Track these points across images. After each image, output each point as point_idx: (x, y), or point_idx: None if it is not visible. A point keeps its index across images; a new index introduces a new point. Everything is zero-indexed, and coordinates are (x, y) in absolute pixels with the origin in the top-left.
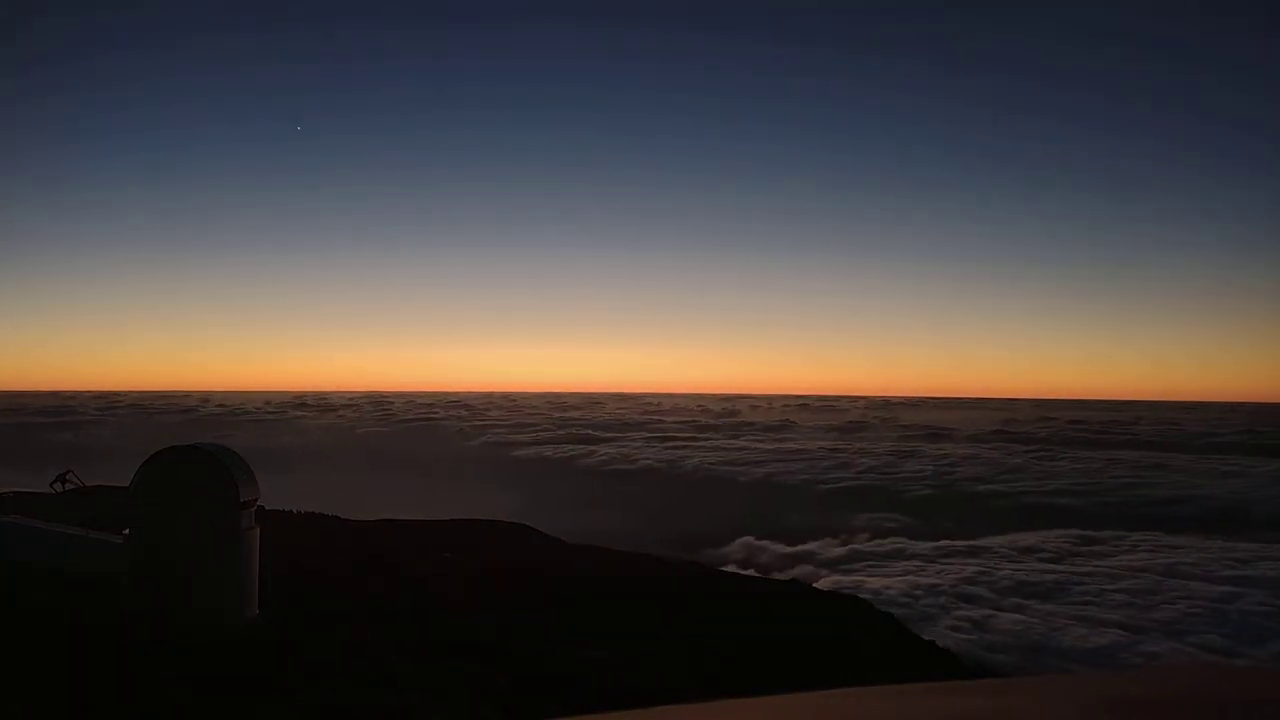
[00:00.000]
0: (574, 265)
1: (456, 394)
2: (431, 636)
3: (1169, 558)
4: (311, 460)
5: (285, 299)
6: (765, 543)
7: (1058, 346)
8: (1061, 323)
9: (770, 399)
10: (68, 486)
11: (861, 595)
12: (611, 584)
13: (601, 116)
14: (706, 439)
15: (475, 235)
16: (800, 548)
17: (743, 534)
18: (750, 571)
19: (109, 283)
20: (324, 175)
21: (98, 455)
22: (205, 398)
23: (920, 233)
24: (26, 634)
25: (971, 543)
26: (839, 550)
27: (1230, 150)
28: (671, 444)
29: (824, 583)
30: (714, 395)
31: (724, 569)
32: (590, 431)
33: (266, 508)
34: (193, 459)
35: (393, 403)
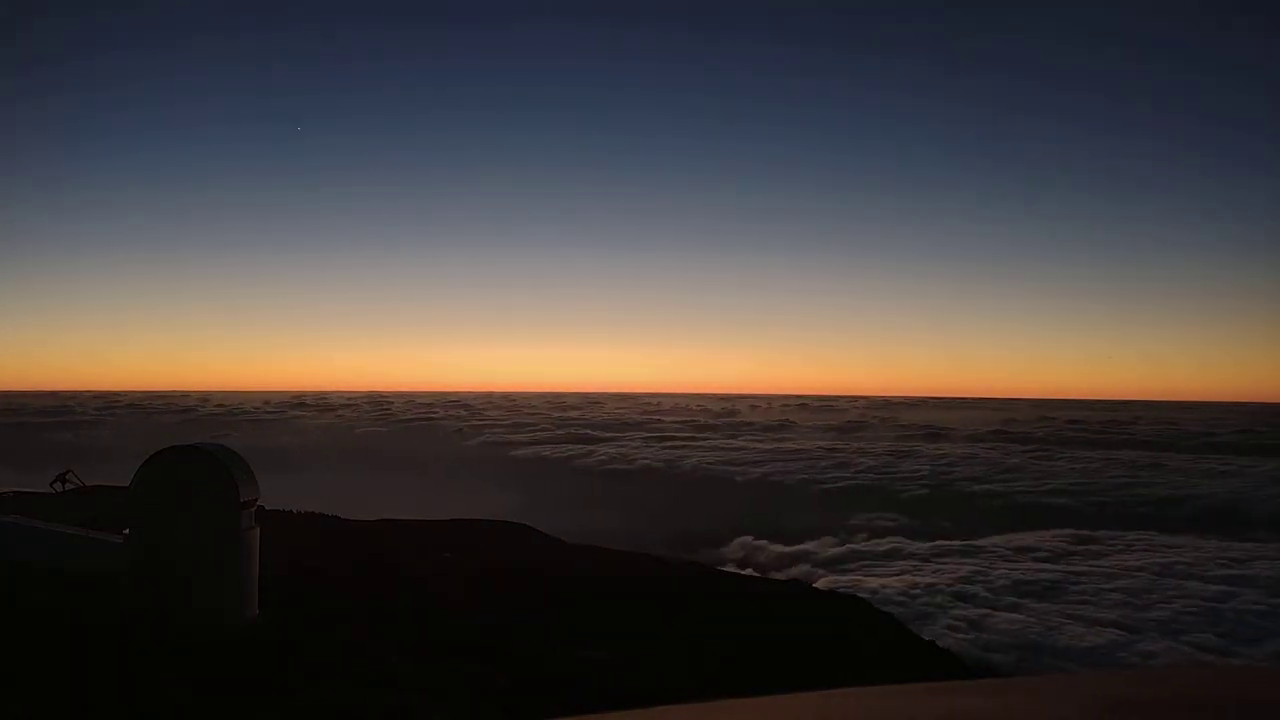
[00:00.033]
0: (574, 265)
1: (456, 394)
2: (431, 636)
3: (1165, 557)
4: (308, 460)
5: (285, 299)
6: (763, 542)
7: (1057, 346)
8: (1061, 323)
9: (770, 399)
10: (68, 486)
11: (860, 595)
12: (611, 584)
13: (601, 116)
14: (705, 439)
15: (475, 235)
16: (797, 547)
17: (740, 534)
18: (749, 571)
19: (108, 283)
20: (324, 175)
21: (97, 455)
22: (204, 398)
23: (920, 233)
24: (26, 634)
25: (968, 542)
26: (836, 550)
27: (1229, 150)
28: (670, 444)
29: (821, 582)
30: (713, 395)
31: (723, 569)
32: (589, 431)
33: (266, 508)
34: (193, 459)
35: (392, 403)
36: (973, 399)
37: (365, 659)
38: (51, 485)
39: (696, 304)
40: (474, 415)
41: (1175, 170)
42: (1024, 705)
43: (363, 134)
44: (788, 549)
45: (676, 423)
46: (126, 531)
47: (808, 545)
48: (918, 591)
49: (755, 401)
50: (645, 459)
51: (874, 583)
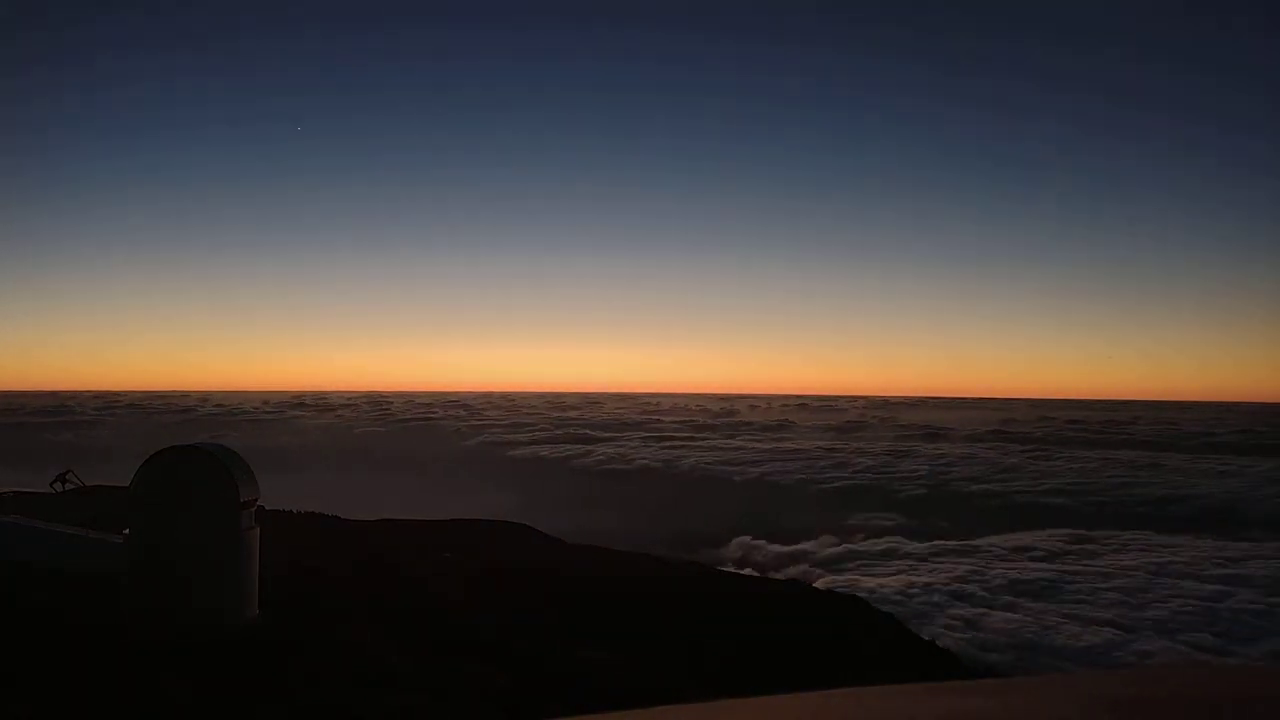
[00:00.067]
0: (574, 266)
1: (456, 394)
2: (431, 636)
3: (1161, 557)
4: (306, 460)
5: (285, 299)
6: (760, 542)
7: (1057, 347)
8: (1061, 323)
9: (769, 399)
10: (68, 486)
11: (858, 594)
12: (611, 584)
13: (601, 117)
14: (704, 439)
15: (476, 235)
16: (795, 547)
17: (738, 533)
18: (748, 571)
19: (108, 283)
20: (324, 175)
21: (97, 455)
22: (204, 398)
23: (920, 233)
24: (26, 634)
25: (965, 542)
26: (833, 550)
27: (1229, 151)
28: (668, 444)
29: (819, 582)
30: (713, 395)
31: (722, 569)
32: (588, 431)
33: (266, 508)
34: (193, 459)
35: (391, 403)
36: (972, 399)
37: (365, 659)
38: (51, 485)
39: (696, 304)
40: (473, 415)
41: (1175, 170)
42: (1024, 705)
43: (363, 134)
44: (785, 549)
45: (675, 423)
46: (126, 531)
47: (805, 545)
48: (914, 591)
49: (755, 402)
50: (643, 459)
51: (871, 582)
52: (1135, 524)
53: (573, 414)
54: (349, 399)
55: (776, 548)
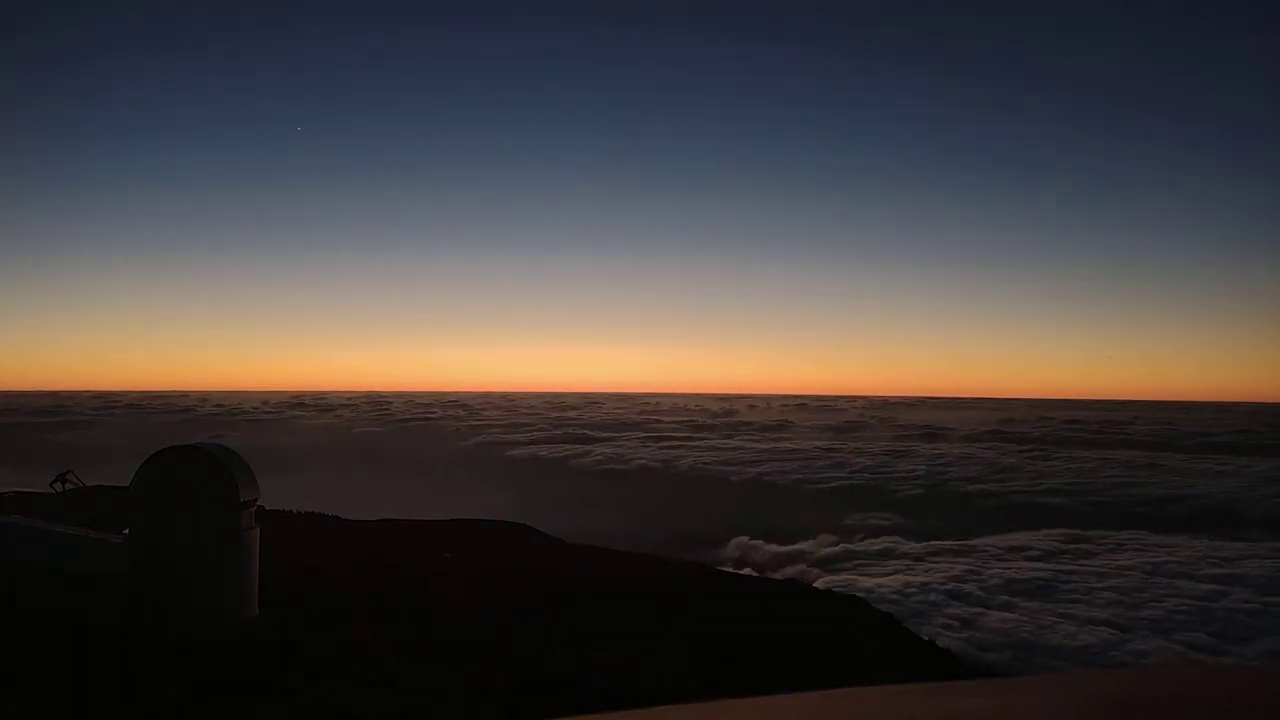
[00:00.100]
0: (574, 266)
1: (455, 394)
2: (431, 636)
3: (1157, 556)
4: (303, 460)
5: (285, 299)
6: (757, 542)
7: (1057, 347)
8: (1061, 323)
9: (769, 399)
10: (68, 486)
11: (857, 594)
12: (611, 584)
13: (601, 117)
14: (702, 439)
15: (476, 235)
16: (792, 547)
17: (735, 533)
18: (748, 571)
19: (107, 283)
20: (324, 176)
21: (96, 455)
22: (203, 398)
23: (920, 233)
24: (26, 634)
25: (962, 542)
26: (830, 550)
27: (1228, 151)
28: (667, 444)
29: (816, 582)
30: (713, 395)
31: (721, 569)
32: (586, 431)
33: (266, 508)
34: (193, 459)
35: (391, 403)
36: (972, 399)
37: (365, 659)
38: (51, 485)
39: (696, 304)
40: (472, 415)
41: (1175, 171)
42: (1024, 705)
43: (363, 134)
44: (782, 549)
45: (674, 423)
46: (126, 531)
47: (802, 545)
48: (911, 590)
49: (754, 402)
50: (641, 459)
51: (868, 582)
52: (1131, 524)
53: (572, 414)
54: (349, 399)
55: (774, 548)
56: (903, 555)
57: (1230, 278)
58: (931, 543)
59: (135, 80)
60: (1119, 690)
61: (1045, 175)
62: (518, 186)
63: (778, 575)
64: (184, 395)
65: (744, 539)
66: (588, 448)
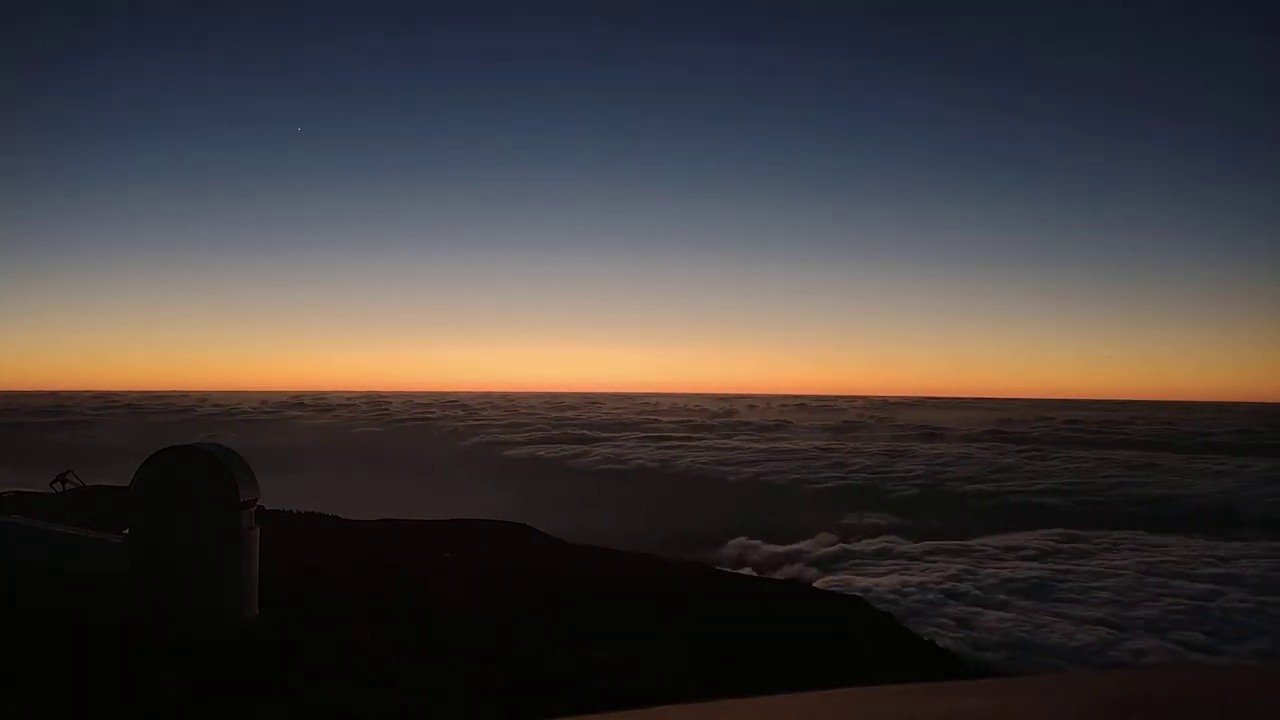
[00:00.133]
0: (574, 266)
1: (455, 394)
2: (431, 636)
3: (1153, 556)
4: (301, 459)
5: (285, 299)
6: (755, 542)
7: (1057, 347)
8: (1061, 323)
9: (768, 399)
10: (68, 486)
11: (856, 594)
12: (611, 584)
13: (601, 117)
14: (700, 439)
15: (476, 235)
16: (789, 547)
17: (733, 533)
18: (746, 571)
19: (107, 283)
20: (323, 176)
21: (96, 455)
22: (203, 398)
23: (920, 233)
24: (26, 634)
25: (959, 542)
26: (827, 550)
27: (1228, 151)
28: (665, 444)
29: (813, 582)
30: (713, 395)
31: (720, 568)
32: (585, 431)
33: (266, 508)
34: (193, 459)
35: (390, 403)
36: (971, 399)
37: (365, 659)
38: (51, 485)
39: (696, 304)
40: (471, 415)
41: (1175, 171)
42: (1024, 705)
43: (362, 135)
44: (779, 549)
45: (673, 423)
46: (126, 531)
47: (799, 545)
48: (909, 590)
49: (754, 402)
50: (640, 459)
51: (865, 582)
52: (1128, 524)
53: (571, 414)
54: (348, 399)
55: (771, 547)
56: (899, 555)
57: (1230, 278)
58: (928, 542)
59: (135, 80)
60: (1119, 690)
61: (1045, 175)
62: (517, 186)
63: (776, 575)
64: (183, 395)
65: (741, 539)
66: (586, 448)
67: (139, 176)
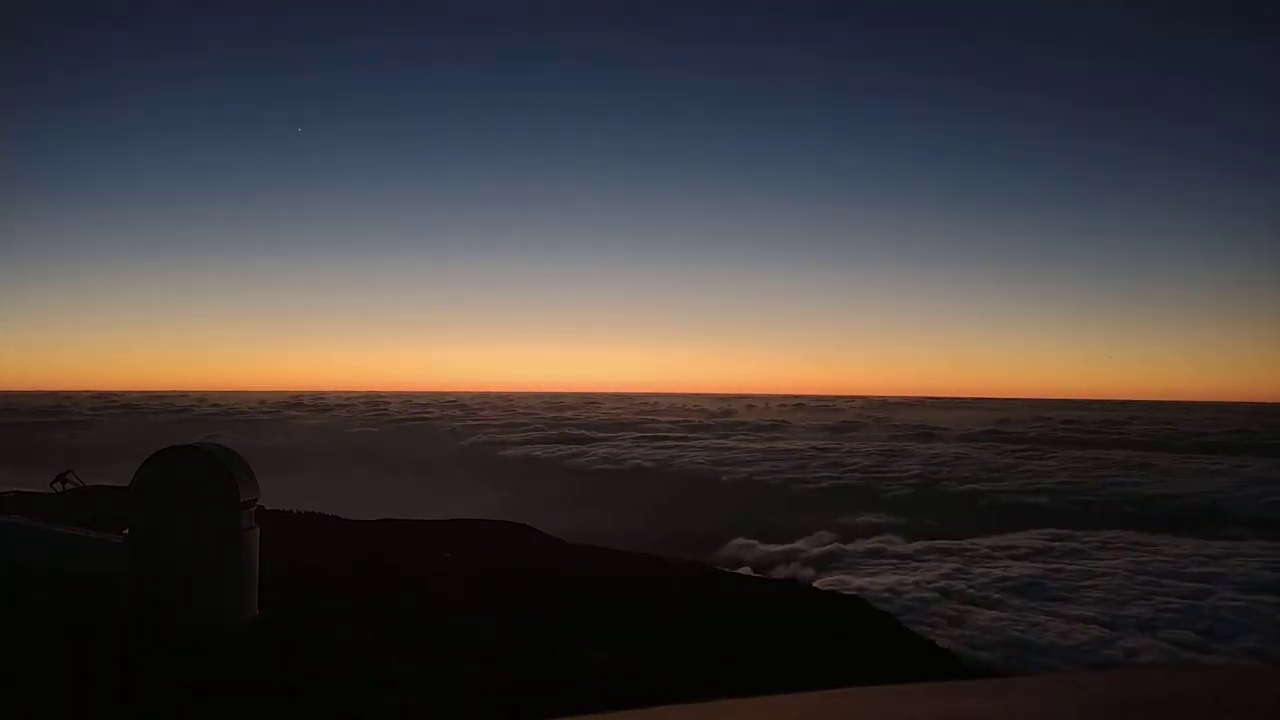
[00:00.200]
0: (574, 266)
1: (454, 394)
2: (431, 636)
3: (1145, 555)
4: (294, 459)
5: (285, 300)
6: (750, 542)
7: (1057, 347)
8: (1061, 323)
9: (767, 399)
10: (68, 486)
11: (855, 594)
12: (611, 584)
13: (600, 118)
14: (697, 439)
15: (476, 236)
16: (784, 547)
17: (729, 533)
18: (744, 570)
19: (106, 283)
20: (323, 176)
21: (96, 455)
22: (202, 398)
23: (920, 234)
24: (26, 634)
25: (953, 541)
26: (821, 549)
27: (1228, 152)
28: (662, 444)
29: (808, 582)
30: (712, 395)
31: (720, 569)
32: (582, 432)
33: (266, 508)
34: (193, 459)
35: (389, 403)
36: (970, 399)
37: (365, 659)
38: (51, 485)
39: (696, 305)
40: (469, 415)
41: (1175, 172)
42: (1024, 705)
43: (362, 135)
44: (775, 548)
45: (670, 423)
46: (126, 531)
47: (793, 545)
48: (903, 589)
49: (753, 402)
50: (636, 459)
51: (859, 581)
52: (1121, 523)
53: (569, 414)
54: (347, 399)
55: (766, 547)
56: (894, 555)
57: (1231, 278)
58: (923, 542)
59: (135, 81)
60: (1119, 690)
61: (1045, 176)
62: (517, 187)
63: (772, 575)
64: (182, 395)
65: (737, 539)
66: (583, 448)
67: (139, 177)
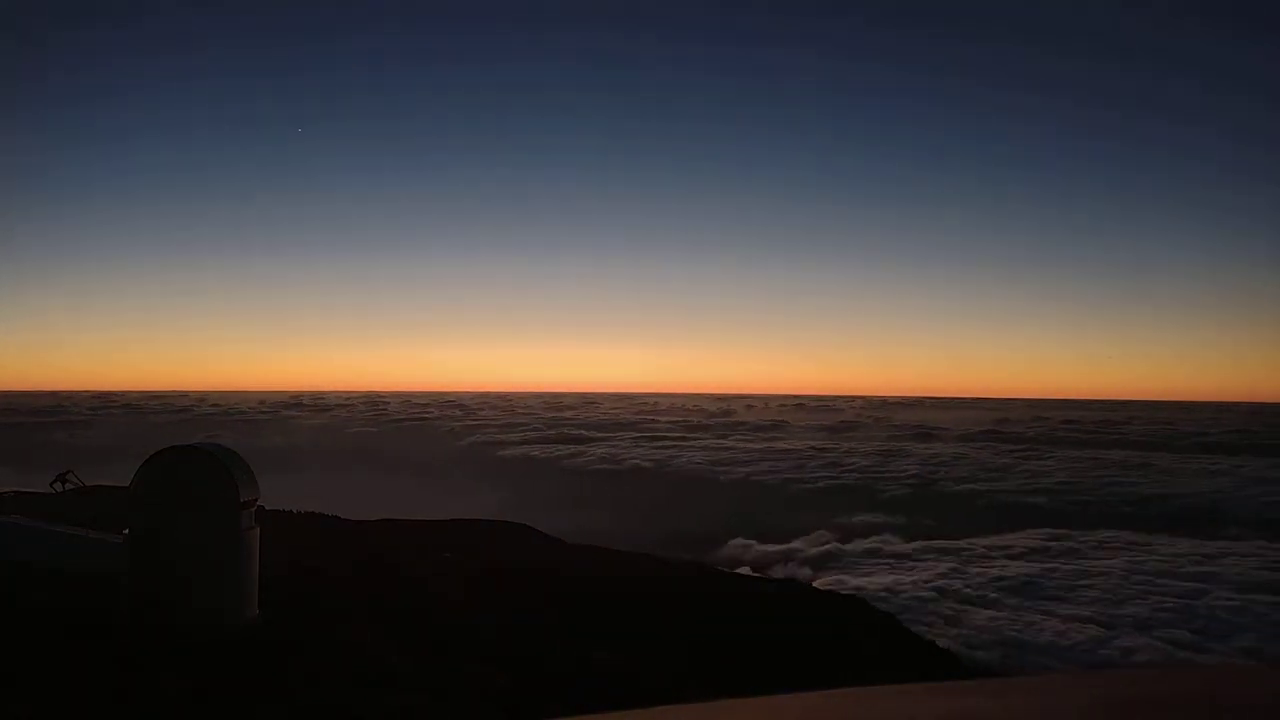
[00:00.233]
0: (574, 266)
1: (454, 394)
2: (431, 636)
3: (1141, 555)
4: (290, 459)
5: (285, 300)
6: (749, 542)
7: (1057, 347)
8: (1060, 324)
9: (767, 399)
10: (68, 486)
11: (855, 594)
12: (611, 584)
13: (600, 117)
14: (696, 439)
15: (476, 236)
16: (781, 547)
17: (726, 533)
18: (743, 570)
19: (106, 283)
20: (323, 177)
21: (96, 455)
22: (201, 398)
23: (920, 234)
24: (26, 634)
25: (950, 541)
26: (819, 549)
27: (1228, 152)
28: (660, 444)
29: (807, 581)
30: (713, 395)
31: (720, 568)
32: (581, 431)
33: (266, 508)
34: (193, 459)
35: (388, 403)
36: (970, 399)
37: (365, 659)
38: (51, 485)
39: (696, 305)
40: (468, 415)
41: (1175, 171)
42: (1024, 705)
43: (362, 136)
44: (772, 548)
45: (669, 423)
46: (126, 531)
47: (790, 545)
48: (900, 589)
49: (752, 402)
50: (634, 459)
51: (856, 581)
52: (1118, 523)
53: (569, 414)
54: (346, 399)
55: (763, 547)
56: (891, 555)
57: (1231, 278)
58: (920, 542)
59: (135, 81)
60: (1119, 690)
61: (1045, 176)
62: (517, 187)
63: (770, 574)
64: (182, 395)
65: (735, 539)
66: (581, 448)
67: (138, 177)
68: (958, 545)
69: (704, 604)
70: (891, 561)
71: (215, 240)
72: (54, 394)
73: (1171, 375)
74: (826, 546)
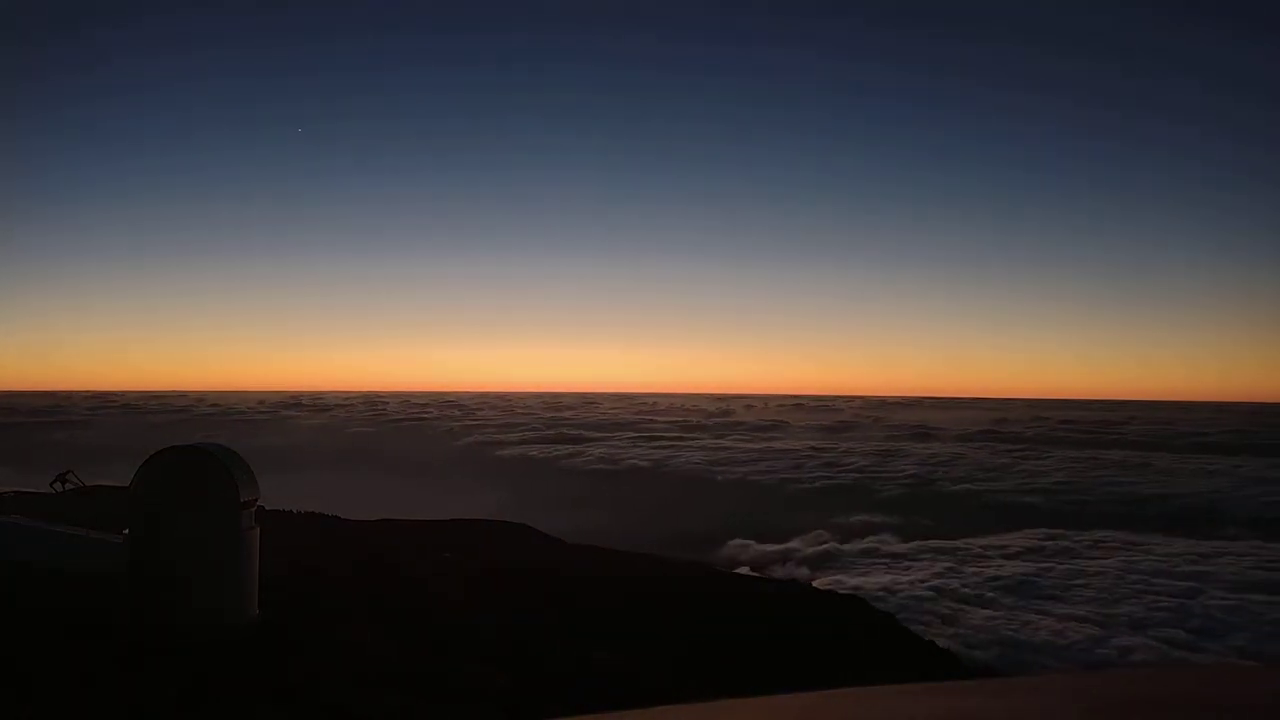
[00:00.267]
0: (573, 266)
1: (453, 394)
2: (431, 636)
3: (1137, 555)
4: (288, 458)
5: (285, 300)
6: (747, 542)
7: (1056, 347)
8: (1059, 323)
9: (766, 399)
10: (68, 486)
11: (854, 594)
12: (611, 584)
13: (600, 118)
14: (694, 438)
15: (476, 236)
16: (778, 547)
17: (725, 533)
18: (742, 570)
19: (106, 283)
20: (323, 177)
21: (95, 455)
22: (200, 398)
23: (919, 234)
24: (26, 634)
25: (947, 541)
26: (815, 549)
27: (1227, 152)
28: (658, 444)
29: (805, 581)
30: (712, 395)
31: (720, 569)
32: (580, 431)
33: (266, 508)
34: (193, 459)
35: (387, 403)
36: (969, 399)
37: (365, 659)
38: (51, 485)
39: (695, 305)
40: (467, 415)
41: (1174, 172)
42: (1024, 705)
43: (362, 136)
44: (770, 548)
45: (668, 423)
46: (126, 531)
47: (788, 545)
48: (898, 588)
49: (751, 402)
50: (632, 459)
51: (853, 581)
52: (1115, 523)
53: (567, 414)
54: (346, 399)
55: (761, 547)
56: (888, 554)
57: (1231, 278)
58: (917, 542)
59: (135, 81)
60: (1119, 690)
61: (1044, 176)
62: (517, 187)
63: (768, 574)
64: (181, 395)
65: (732, 539)
66: (579, 448)
67: (138, 177)
68: (955, 545)
69: (703, 604)
70: (889, 561)
71: (214, 240)
72: (53, 394)
73: (1170, 375)
74: (824, 546)
